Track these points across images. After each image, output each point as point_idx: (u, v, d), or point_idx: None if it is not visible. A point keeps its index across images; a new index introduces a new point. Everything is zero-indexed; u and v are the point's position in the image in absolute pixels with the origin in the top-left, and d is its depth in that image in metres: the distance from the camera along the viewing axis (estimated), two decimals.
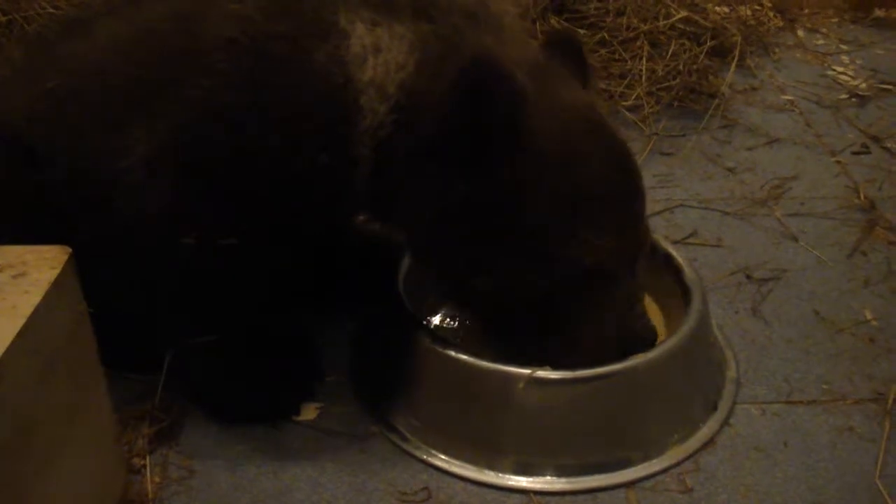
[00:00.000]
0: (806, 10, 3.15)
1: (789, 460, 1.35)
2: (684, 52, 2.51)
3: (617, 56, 2.50)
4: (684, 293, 1.50)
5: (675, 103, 2.42)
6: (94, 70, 1.29)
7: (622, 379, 1.33)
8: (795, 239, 1.89)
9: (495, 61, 1.17)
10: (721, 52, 2.63)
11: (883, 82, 2.62)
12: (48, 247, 1.06)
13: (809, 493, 1.30)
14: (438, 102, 1.19)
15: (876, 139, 2.30)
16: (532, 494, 1.30)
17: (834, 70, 2.72)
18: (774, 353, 1.57)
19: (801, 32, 3.02)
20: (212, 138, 1.22)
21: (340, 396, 1.47)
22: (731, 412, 1.44)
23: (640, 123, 2.32)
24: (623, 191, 1.29)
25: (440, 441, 1.36)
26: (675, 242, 1.84)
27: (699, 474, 1.33)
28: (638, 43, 2.51)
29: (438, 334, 1.40)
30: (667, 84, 2.43)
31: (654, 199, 2.02)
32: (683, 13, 2.58)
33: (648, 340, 1.34)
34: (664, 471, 1.33)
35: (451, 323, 1.59)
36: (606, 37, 2.52)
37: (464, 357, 1.33)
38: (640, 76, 2.43)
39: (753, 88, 2.59)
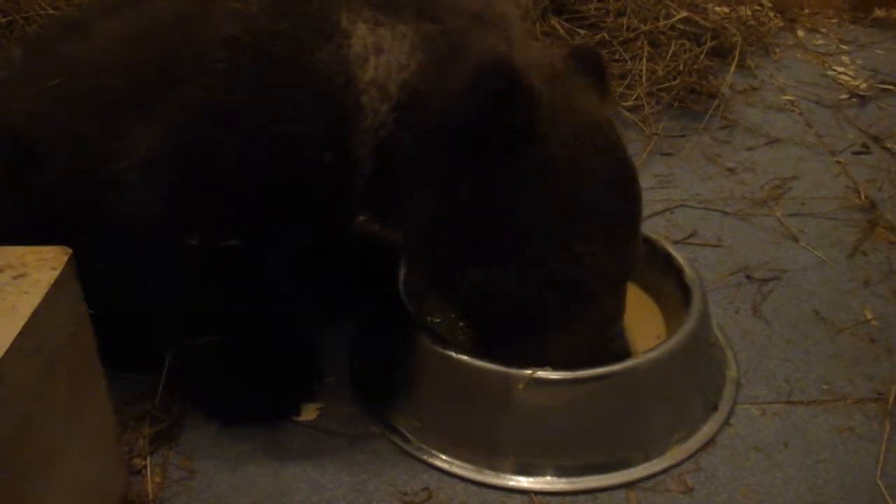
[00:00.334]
0: (806, 11, 3.15)
1: (789, 460, 1.35)
2: (684, 53, 2.51)
3: (617, 56, 2.49)
4: (684, 293, 1.49)
5: (676, 103, 2.42)
6: (94, 70, 1.28)
7: (622, 379, 1.33)
8: (796, 239, 1.89)
9: (513, 66, 1.16)
10: (721, 53, 2.63)
11: (883, 82, 2.62)
12: (48, 247, 1.06)
13: (810, 493, 1.30)
14: (446, 103, 1.19)
15: (876, 139, 2.30)
16: (532, 495, 1.30)
17: (834, 70, 2.72)
18: (775, 353, 1.57)
19: (801, 32, 3.01)
20: (211, 139, 1.21)
21: (340, 397, 1.47)
22: (731, 412, 1.44)
23: (640, 124, 2.32)
24: (621, 212, 1.29)
25: (441, 441, 1.36)
26: (675, 242, 1.84)
27: (699, 474, 1.33)
28: (638, 43, 2.51)
29: (439, 334, 1.40)
30: (667, 84, 2.43)
31: (655, 200, 2.02)
32: (683, 13, 2.58)
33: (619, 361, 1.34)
34: (664, 471, 1.33)
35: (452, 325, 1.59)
36: (607, 37, 2.52)
37: (464, 357, 1.33)
38: (641, 76, 2.43)
39: (754, 89, 2.59)
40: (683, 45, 2.53)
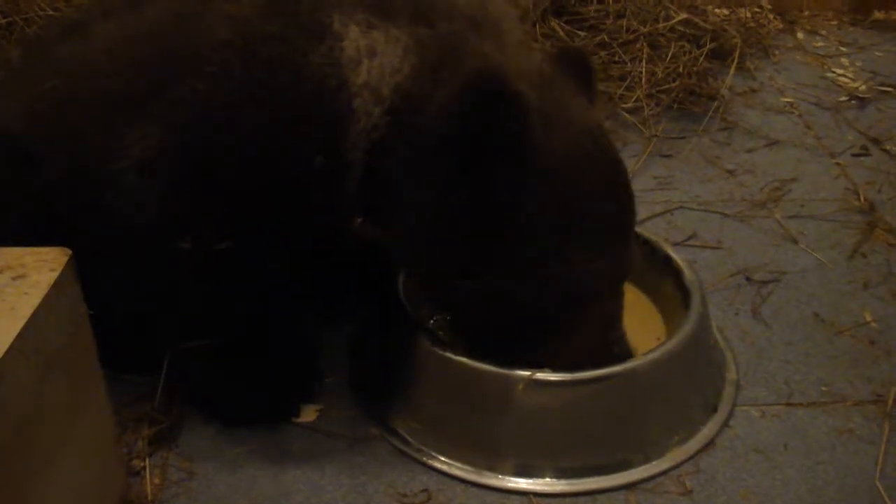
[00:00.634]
0: (805, 13, 3.15)
1: (789, 462, 1.35)
2: (684, 55, 2.51)
3: (617, 58, 2.50)
4: (684, 295, 1.49)
5: (675, 105, 2.42)
6: (92, 72, 1.29)
7: (622, 381, 1.33)
8: (795, 241, 1.89)
9: (501, 76, 1.16)
10: (721, 55, 2.63)
11: (882, 84, 2.62)
12: (47, 249, 1.06)
13: (809, 495, 1.30)
14: (438, 110, 1.19)
15: (876, 141, 2.30)
16: (532, 496, 1.30)
17: (833, 72, 2.72)
18: (774, 355, 1.57)
19: (800, 35, 3.01)
20: (203, 141, 1.21)
21: (340, 398, 1.46)
22: (730, 414, 1.44)
23: (639, 125, 2.32)
24: (615, 217, 1.29)
25: (440, 443, 1.36)
26: (674, 244, 1.84)
27: (699, 476, 1.33)
28: (638, 45, 2.51)
29: (438, 336, 1.40)
30: (666, 86, 2.43)
31: (654, 201, 2.02)
32: (683, 15, 2.59)
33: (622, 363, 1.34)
34: (664, 473, 1.33)
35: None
36: (606, 39, 2.52)
37: (463, 359, 1.33)
38: (640, 78, 2.43)
39: (753, 90, 2.59)
40: (683, 46, 2.54)
